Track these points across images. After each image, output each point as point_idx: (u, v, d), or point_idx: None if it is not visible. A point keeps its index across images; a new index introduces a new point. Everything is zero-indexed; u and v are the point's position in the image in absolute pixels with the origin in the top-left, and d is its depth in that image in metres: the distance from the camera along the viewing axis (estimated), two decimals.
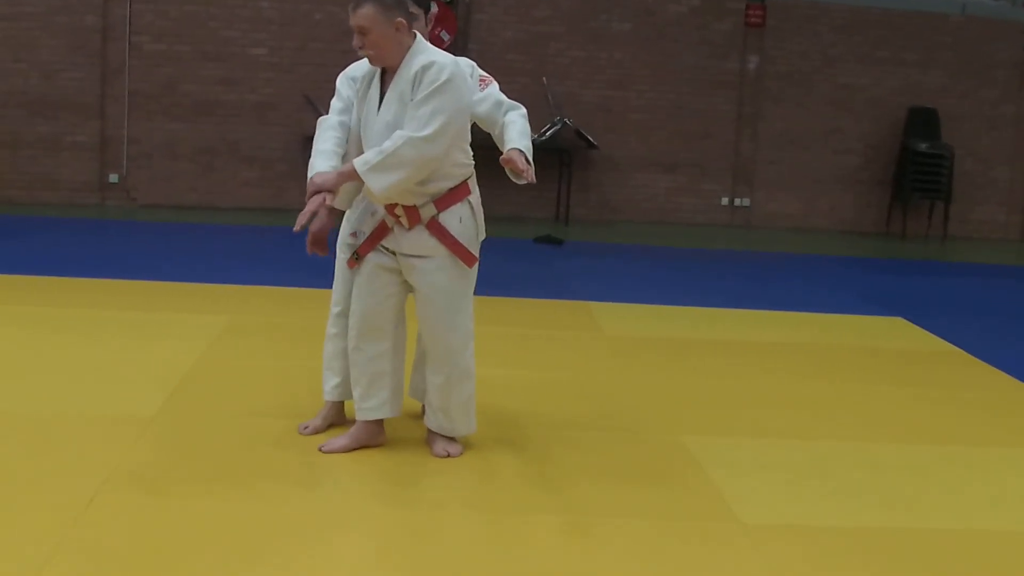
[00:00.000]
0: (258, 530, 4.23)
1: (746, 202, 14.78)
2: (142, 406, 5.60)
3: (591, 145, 13.85)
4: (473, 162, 4.99)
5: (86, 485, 4.48)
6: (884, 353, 7.96)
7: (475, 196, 5.00)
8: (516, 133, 5.13)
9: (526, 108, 5.28)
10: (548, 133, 13.47)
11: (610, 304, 9.04)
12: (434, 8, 5.68)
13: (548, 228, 12.97)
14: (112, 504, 4.32)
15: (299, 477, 4.76)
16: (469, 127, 4.97)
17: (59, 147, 13.49)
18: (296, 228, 4.67)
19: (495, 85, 5.27)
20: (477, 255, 5.00)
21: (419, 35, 4.83)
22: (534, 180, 5.08)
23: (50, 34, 13.34)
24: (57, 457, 4.83)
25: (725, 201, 14.73)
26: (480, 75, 5.22)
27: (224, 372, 6.19)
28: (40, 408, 5.52)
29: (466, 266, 4.96)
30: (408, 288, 5.02)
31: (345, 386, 5.24)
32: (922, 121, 14.73)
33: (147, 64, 13.48)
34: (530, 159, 5.06)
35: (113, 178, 13.59)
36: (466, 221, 4.93)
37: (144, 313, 7.78)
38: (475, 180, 5.04)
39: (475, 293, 5.16)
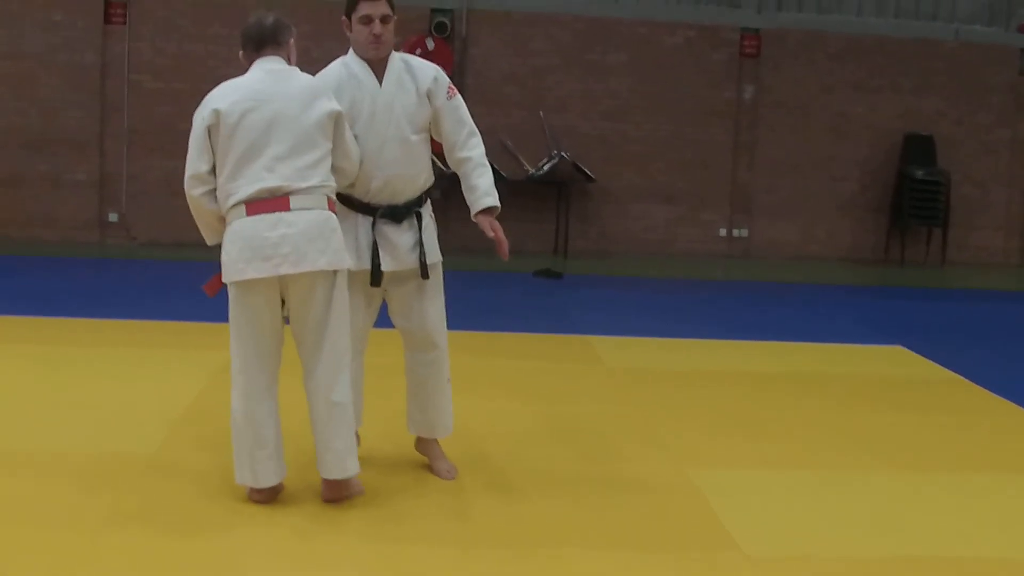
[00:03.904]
0: (258, 568, 4.23)
1: (744, 232, 14.79)
2: (143, 443, 5.62)
3: (589, 178, 13.88)
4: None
5: (90, 524, 4.49)
6: (884, 382, 7.96)
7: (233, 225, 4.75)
8: (487, 184, 5.19)
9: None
10: (546, 167, 13.50)
11: (611, 337, 9.04)
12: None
13: (547, 261, 12.98)
14: (117, 543, 4.33)
15: (298, 515, 4.76)
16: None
17: (59, 185, 13.53)
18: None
19: (460, 98, 5.29)
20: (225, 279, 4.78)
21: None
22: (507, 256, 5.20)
23: (50, 72, 13.41)
24: (60, 495, 4.84)
25: (723, 232, 14.74)
26: (448, 82, 5.25)
27: (224, 408, 6.18)
28: (42, 446, 5.54)
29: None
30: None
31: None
32: (918, 147, 14.77)
33: (146, 102, 13.55)
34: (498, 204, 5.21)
35: (112, 217, 13.62)
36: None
37: (144, 350, 7.80)
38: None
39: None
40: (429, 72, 5.19)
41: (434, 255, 5.23)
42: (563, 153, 13.67)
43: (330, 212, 4.76)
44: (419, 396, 5.37)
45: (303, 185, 4.67)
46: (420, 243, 5.14)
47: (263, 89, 4.76)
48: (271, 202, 4.64)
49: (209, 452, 5.51)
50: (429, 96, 5.14)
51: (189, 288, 10.49)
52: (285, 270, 4.62)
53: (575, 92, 14.28)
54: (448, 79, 5.26)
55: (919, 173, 14.59)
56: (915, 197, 14.62)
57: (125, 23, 13.52)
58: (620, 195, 14.44)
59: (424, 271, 5.15)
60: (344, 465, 4.83)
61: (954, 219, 14.90)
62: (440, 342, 5.30)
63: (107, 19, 13.51)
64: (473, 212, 5.19)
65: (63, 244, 13.34)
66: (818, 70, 14.73)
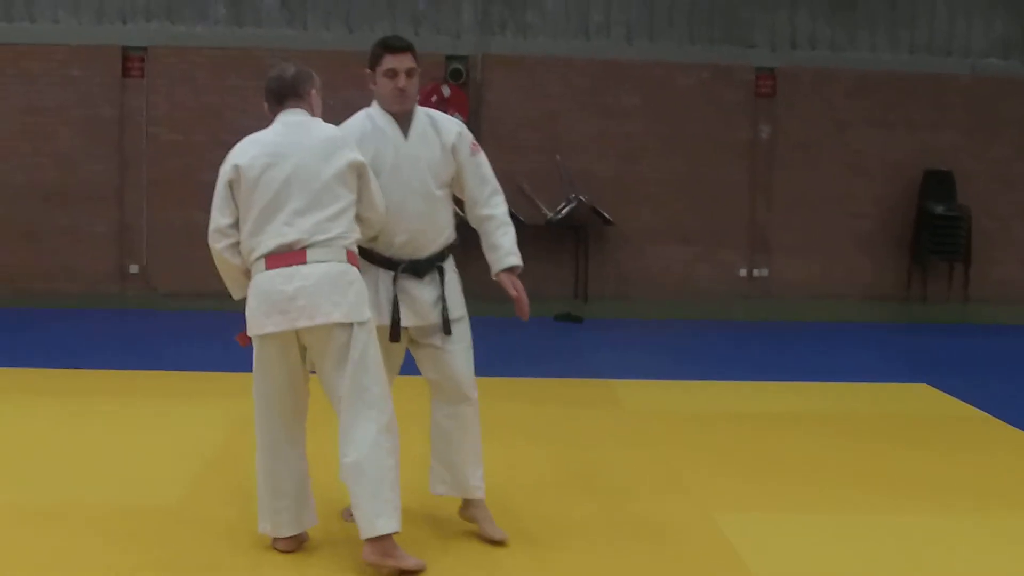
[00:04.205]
0: None
1: (764, 272, 14.72)
2: (166, 496, 5.62)
3: (606, 221, 13.87)
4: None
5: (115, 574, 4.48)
6: (909, 420, 7.92)
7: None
8: (510, 242, 5.18)
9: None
10: (564, 211, 13.50)
11: (632, 380, 9.02)
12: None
13: (567, 305, 12.96)
14: None
15: (323, 564, 4.75)
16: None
17: (79, 238, 13.58)
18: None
19: (483, 154, 5.27)
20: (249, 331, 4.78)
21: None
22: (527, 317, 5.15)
23: (68, 126, 13.49)
24: (87, 548, 4.85)
25: (743, 271, 14.69)
26: (471, 138, 5.24)
27: (246, 459, 6.18)
28: (68, 499, 5.55)
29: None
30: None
31: None
32: (937, 183, 14.69)
33: (164, 154, 13.61)
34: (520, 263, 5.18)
35: (133, 268, 13.66)
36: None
37: (167, 401, 7.82)
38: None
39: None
40: (453, 127, 5.18)
41: (458, 310, 5.17)
42: (580, 196, 13.67)
43: (348, 265, 4.70)
44: (444, 451, 5.23)
45: (321, 238, 4.64)
46: (443, 298, 5.09)
47: (282, 143, 4.76)
48: (288, 255, 4.62)
49: (233, 502, 5.51)
50: (454, 151, 5.12)
51: (210, 338, 10.57)
52: (301, 323, 4.59)
53: (591, 135, 14.28)
54: (471, 135, 5.25)
55: (939, 209, 14.52)
56: (935, 233, 14.54)
57: (142, 76, 13.61)
58: (638, 237, 14.41)
59: (446, 327, 5.08)
60: (373, 524, 4.60)
61: (975, 254, 14.80)
62: (470, 394, 5.21)
63: (124, 72, 13.59)
64: (495, 271, 5.16)
65: (84, 296, 13.38)
66: (834, 108, 14.70)
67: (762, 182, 14.64)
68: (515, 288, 5.09)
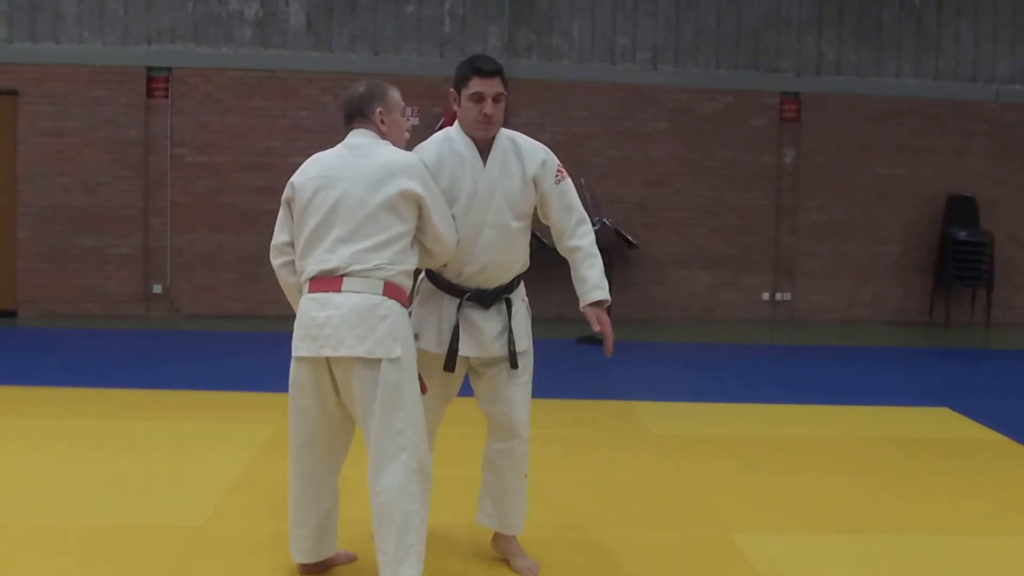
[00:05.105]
0: None
1: (787, 296, 14.71)
2: (190, 517, 5.62)
3: (631, 245, 13.87)
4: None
5: None
6: (931, 444, 7.88)
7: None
8: (597, 276, 4.96)
9: None
10: None
11: (655, 403, 9.00)
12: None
13: (590, 328, 12.91)
14: None
15: None
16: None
17: (103, 259, 13.64)
18: None
19: (569, 182, 5.03)
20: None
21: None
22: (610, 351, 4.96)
23: (92, 147, 13.56)
24: (109, 568, 4.83)
25: (766, 296, 14.68)
26: (556, 165, 5.00)
27: (271, 481, 6.18)
28: (90, 520, 5.54)
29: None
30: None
31: None
32: (961, 208, 14.69)
33: (188, 176, 13.66)
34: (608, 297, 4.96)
35: (157, 289, 13.71)
36: None
37: (190, 423, 7.81)
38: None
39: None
40: (537, 155, 4.92)
41: (523, 343, 4.93)
42: (605, 220, 13.67)
43: (384, 298, 4.48)
44: (494, 487, 5.07)
45: (358, 268, 4.46)
46: (509, 329, 4.87)
47: (337, 166, 4.61)
48: (326, 281, 4.49)
49: (257, 524, 5.51)
50: (535, 181, 4.88)
51: (233, 359, 10.58)
52: (326, 353, 4.45)
53: (615, 159, 14.31)
54: (557, 161, 5.00)
55: (962, 234, 14.51)
56: (959, 258, 14.53)
57: (167, 97, 13.67)
58: (662, 261, 14.43)
59: (513, 360, 4.87)
60: (396, 570, 4.43)
61: (998, 279, 14.78)
62: (522, 432, 5.00)
63: (149, 94, 13.66)
64: (582, 304, 4.95)
65: (109, 317, 13.43)
66: (858, 133, 14.70)
67: (786, 207, 14.64)
68: (600, 323, 4.89)
